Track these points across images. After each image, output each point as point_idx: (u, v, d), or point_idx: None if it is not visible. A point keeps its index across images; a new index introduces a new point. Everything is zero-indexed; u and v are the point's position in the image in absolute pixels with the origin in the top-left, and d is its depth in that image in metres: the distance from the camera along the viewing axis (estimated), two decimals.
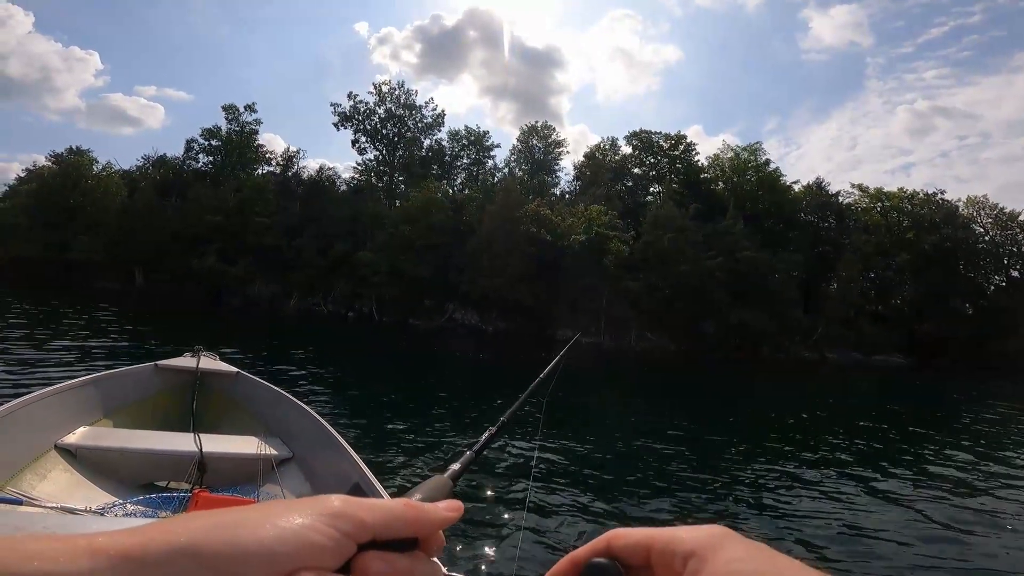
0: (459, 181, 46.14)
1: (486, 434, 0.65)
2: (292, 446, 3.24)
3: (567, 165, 61.23)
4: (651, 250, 33.28)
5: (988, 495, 6.22)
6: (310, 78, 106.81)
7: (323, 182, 43.68)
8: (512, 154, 46.17)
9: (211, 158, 44.58)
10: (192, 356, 4.09)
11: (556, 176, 45.81)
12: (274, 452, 3.10)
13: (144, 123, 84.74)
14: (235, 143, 44.32)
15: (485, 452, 0.64)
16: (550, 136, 45.68)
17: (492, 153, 46.07)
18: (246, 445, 3.11)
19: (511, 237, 32.43)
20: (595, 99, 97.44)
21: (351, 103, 45.57)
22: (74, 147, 44.58)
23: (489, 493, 4.90)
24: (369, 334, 25.91)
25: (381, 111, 45.73)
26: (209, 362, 4.06)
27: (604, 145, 45.16)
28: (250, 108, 44.84)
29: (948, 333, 39.88)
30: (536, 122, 47.57)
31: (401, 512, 0.32)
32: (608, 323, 33.58)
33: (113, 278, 37.40)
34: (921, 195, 44.75)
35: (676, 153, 43.47)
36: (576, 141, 58.87)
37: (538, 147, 45.36)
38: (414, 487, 0.42)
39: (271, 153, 46.32)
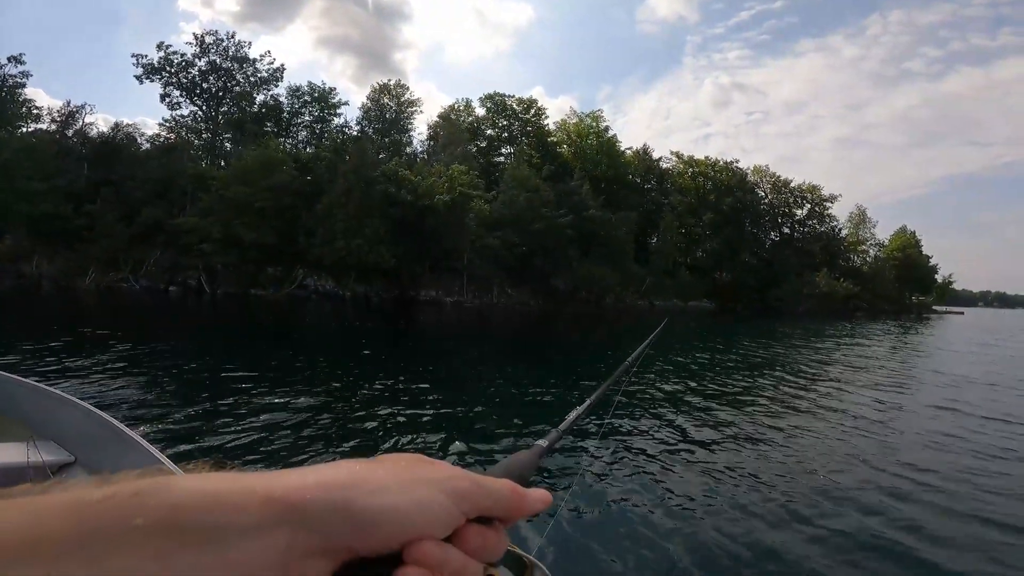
0: (299, 139, 42.65)
1: (573, 413, 0.65)
2: (72, 449, 2.76)
3: (418, 124, 59.74)
4: (509, 208, 34.43)
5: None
6: (94, 26, 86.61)
7: (119, 140, 36.93)
8: (362, 112, 43.94)
9: None
10: None
11: (409, 136, 44.82)
12: (49, 458, 2.62)
13: None
14: None
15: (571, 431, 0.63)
16: (403, 95, 44.17)
17: (339, 111, 43.05)
18: (6, 453, 2.60)
19: (368, 197, 30.65)
20: (444, 57, 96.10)
21: (161, 54, 39.36)
22: None
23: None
24: (197, 310, 22.39)
25: (202, 63, 40.19)
26: None
27: (459, 106, 45.46)
28: (16, 59, 36.81)
29: (740, 281, 49.09)
30: (389, 80, 45.89)
31: (507, 497, 0.34)
32: (470, 281, 34.13)
33: None
34: (721, 163, 53.69)
35: (527, 116, 45.72)
36: (422, 100, 57.79)
37: (390, 106, 43.55)
38: (505, 459, 0.43)
39: (39, 109, 38.24)
